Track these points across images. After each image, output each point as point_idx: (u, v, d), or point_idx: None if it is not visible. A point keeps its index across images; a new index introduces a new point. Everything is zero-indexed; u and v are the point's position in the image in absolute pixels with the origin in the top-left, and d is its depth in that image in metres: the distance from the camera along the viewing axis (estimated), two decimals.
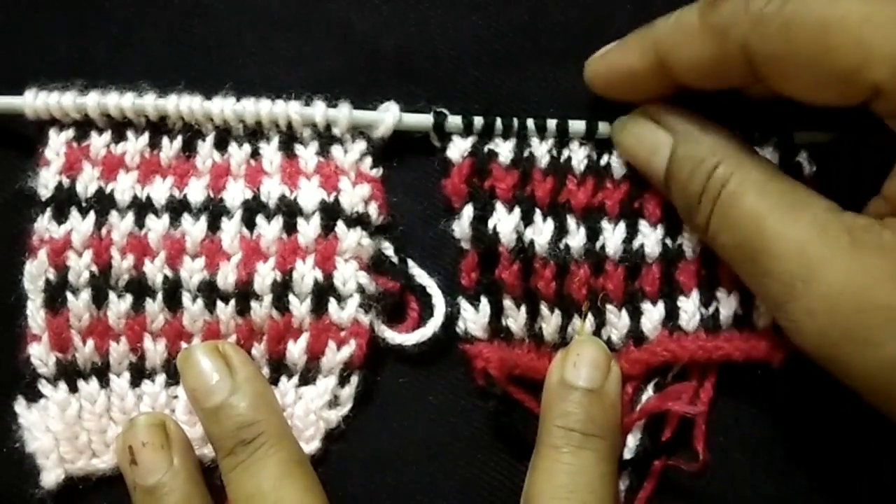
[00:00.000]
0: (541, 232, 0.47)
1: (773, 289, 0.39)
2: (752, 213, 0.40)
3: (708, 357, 0.46)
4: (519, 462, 0.46)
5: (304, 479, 0.43)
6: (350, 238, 0.47)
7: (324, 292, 0.46)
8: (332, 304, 0.46)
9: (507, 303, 0.46)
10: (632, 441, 0.47)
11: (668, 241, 0.47)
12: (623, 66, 0.44)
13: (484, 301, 0.46)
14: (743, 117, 0.48)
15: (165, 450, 0.43)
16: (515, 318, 0.46)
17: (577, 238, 0.47)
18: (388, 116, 0.47)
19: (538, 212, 0.47)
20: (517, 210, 0.47)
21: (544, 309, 0.47)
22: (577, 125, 0.47)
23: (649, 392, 0.47)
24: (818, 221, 0.38)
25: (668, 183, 0.44)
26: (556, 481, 0.43)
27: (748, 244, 0.40)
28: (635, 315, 0.47)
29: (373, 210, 0.47)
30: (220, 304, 0.46)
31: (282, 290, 0.46)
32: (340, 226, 0.47)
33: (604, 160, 0.48)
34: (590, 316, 0.47)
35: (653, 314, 0.47)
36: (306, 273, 0.46)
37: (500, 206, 0.47)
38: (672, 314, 0.47)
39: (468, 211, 0.47)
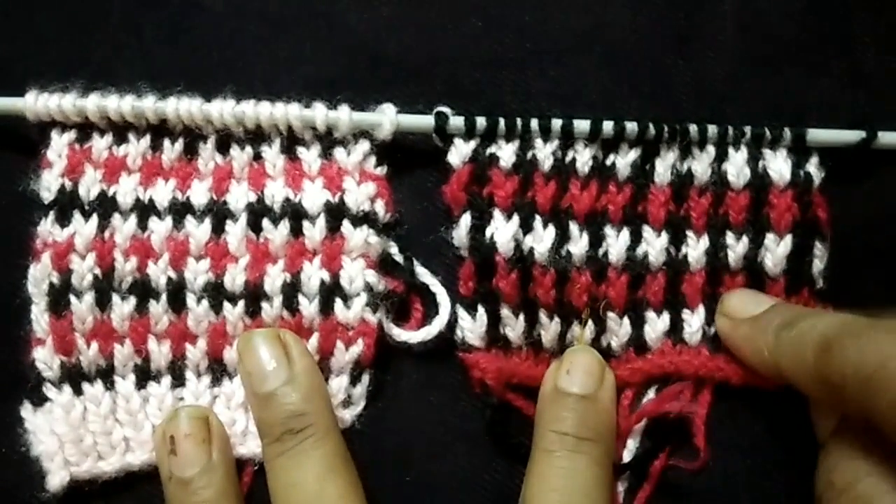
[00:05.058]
0: (541, 239, 0.47)
1: None
2: None
3: (709, 376, 0.46)
4: (519, 463, 0.46)
5: (347, 476, 0.43)
6: (356, 237, 0.47)
7: (330, 292, 0.46)
8: (339, 303, 0.46)
9: (505, 312, 0.46)
10: (632, 444, 0.47)
11: (672, 250, 0.47)
12: (744, 352, 0.45)
13: (481, 310, 0.47)
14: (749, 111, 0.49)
15: (206, 444, 0.43)
16: (513, 327, 0.47)
17: (579, 245, 0.47)
18: (385, 118, 0.47)
19: (538, 219, 0.47)
20: (516, 218, 0.46)
21: (543, 316, 0.47)
22: (582, 124, 0.47)
23: (650, 396, 0.47)
24: None
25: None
26: (551, 484, 0.43)
27: None
28: (638, 323, 0.47)
29: (379, 208, 0.47)
30: (227, 305, 0.47)
31: (291, 291, 0.46)
32: (346, 225, 0.47)
33: (609, 160, 0.47)
34: (590, 323, 0.47)
35: (657, 324, 0.47)
36: (313, 274, 0.46)
37: (497, 215, 0.47)
38: (676, 326, 0.47)
39: (466, 220, 0.47)
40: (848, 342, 0.37)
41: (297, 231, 0.47)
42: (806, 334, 0.40)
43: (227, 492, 0.43)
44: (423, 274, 0.48)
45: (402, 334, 0.47)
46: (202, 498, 0.42)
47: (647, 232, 0.47)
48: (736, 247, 0.47)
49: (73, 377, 0.46)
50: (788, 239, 0.47)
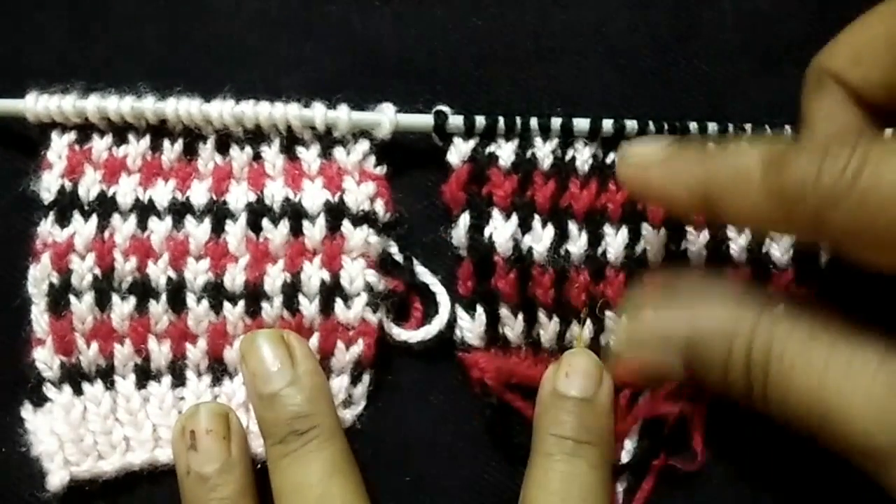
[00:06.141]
0: (540, 239, 0.46)
1: (862, 463, 0.35)
2: (807, 386, 0.36)
3: None
4: (519, 463, 0.46)
5: (352, 477, 0.43)
6: (356, 236, 0.47)
7: (331, 292, 0.46)
8: (339, 303, 0.46)
9: (504, 311, 0.46)
10: (629, 444, 0.47)
11: (672, 246, 0.47)
12: (664, 191, 0.39)
13: (480, 310, 0.46)
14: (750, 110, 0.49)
15: (226, 441, 0.43)
16: (512, 327, 0.47)
17: (578, 244, 0.47)
18: (384, 118, 0.47)
19: (537, 218, 0.47)
20: (514, 217, 0.46)
21: (542, 316, 0.47)
22: (582, 123, 0.47)
23: (647, 395, 0.47)
24: (886, 369, 0.34)
25: (696, 372, 0.40)
26: (550, 489, 0.43)
27: (819, 420, 0.36)
28: None
29: (379, 207, 0.47)
30: (227, 304, 0.47)
31: (291, 291, 0.46)
32: (346, 225, 0.47)
33: (609, 158, 0.47)
34: (588, 322, 0.47)
35: None
36: (313, 274, 0.46)
37: (496, 214, 0.47)
38: None
39: (465, 219, 0.47)
40: (806, 154, 0.34)
41: (297, 231, 0.47)
42: (745, 154, 0.37)
43: (246, 490, 0.43)
44: (423, 273, 0.48)
45: (402, 334, 0.47)
46: (221, 495, 0.42)
47: (646, 229, 0.47)
48: (738, 239, 0.47)
49: (73, 377, 0.46)
50: None
